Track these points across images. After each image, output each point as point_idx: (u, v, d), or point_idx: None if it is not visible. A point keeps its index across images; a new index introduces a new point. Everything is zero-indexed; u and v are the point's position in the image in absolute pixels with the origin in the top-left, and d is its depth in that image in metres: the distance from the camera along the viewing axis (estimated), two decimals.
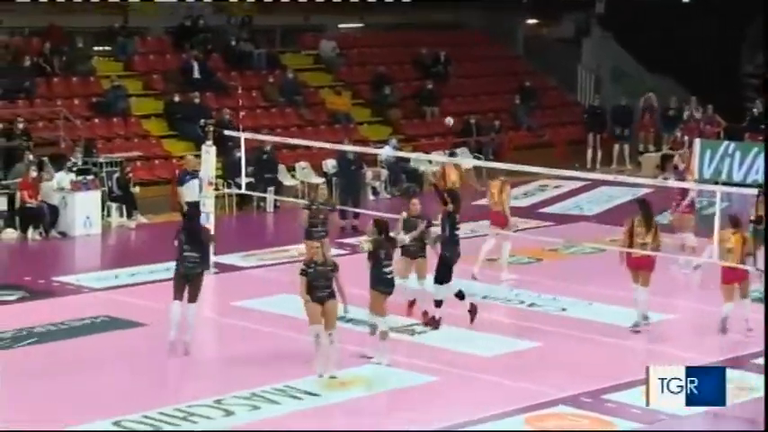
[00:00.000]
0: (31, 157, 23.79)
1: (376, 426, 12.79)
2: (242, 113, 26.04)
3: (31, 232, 22.58)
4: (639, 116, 32.52)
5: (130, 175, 24.61)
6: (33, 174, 23.03)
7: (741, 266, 15.64)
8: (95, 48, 30.04)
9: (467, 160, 28.31)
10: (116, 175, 24.49)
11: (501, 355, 15.27)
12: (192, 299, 15.14)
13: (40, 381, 14.05)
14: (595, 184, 27.13)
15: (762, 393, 12.71)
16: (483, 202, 25.08)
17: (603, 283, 18.21)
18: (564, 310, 17.42)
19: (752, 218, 15.63)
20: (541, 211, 25.47)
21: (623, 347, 15.60)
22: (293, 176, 27.27)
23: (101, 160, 24.99)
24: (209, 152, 19.76)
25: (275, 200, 25.61)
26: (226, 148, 23.96)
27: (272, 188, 25.84)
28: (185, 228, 15.50)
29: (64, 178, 23.28)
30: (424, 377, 14.26)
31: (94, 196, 23.37)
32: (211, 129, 20.05)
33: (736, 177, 22.60)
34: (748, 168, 22.77)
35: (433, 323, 16.23)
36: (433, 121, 31.77)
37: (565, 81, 35.68)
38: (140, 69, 29.81)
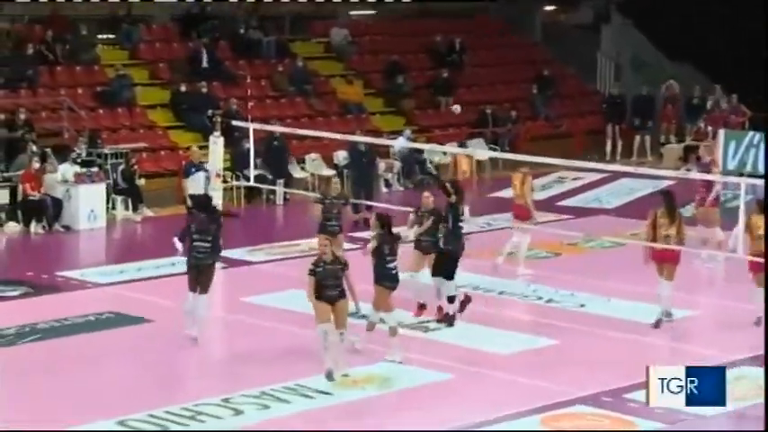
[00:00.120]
0: (34, 148, 23.84)
1: (389, 425, 12.79)
2: (250, 103, 26.06)
3: (33, 226, 22.64)
4: (661, 106, 32.45)
5: (136, 166, 24.65)
6: (36, 165, 23.09)
7: None
8: (99, 36, 30.09)
9: (482, 152, 28.34)
10: (121, 166, 24.54)
11: (517, 352, 15.26)
12: (204, 289, 15.25)
13: (43, 378, 14.09)
14: (615, 176, 27.09)
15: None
16: (496, 194, 25.07)
17: (623, 279, 18.20)
18: (582, 306, 17.41)
19: None
20: (560, 204, 25.45)
21: (644, 345, 15.58)
22: (303, 168, 27.30)
23: (105, 151, 25.06)
24: (216, 143, 19.79)
25: (285, 192, 25.64)
26: (233, 139, 23.98)
27: (281, 180, 25.87)
28: (195, 217, 15.63)
29: (68, 170, 23.33)
30: (438, 375, 14.27)
31: (99, 189, 23.43)
32: (219, 119, 20.07)
33: (762, 169, 22.54)
34: None
35: (448, 319, 16.24)
36: (448, 111, 31.72)
37: (584, 69, 35.61)
38: (146, 58, 29.83)
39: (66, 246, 22.22)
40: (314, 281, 13.79)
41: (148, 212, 24.20)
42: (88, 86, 28.07)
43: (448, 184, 16.66)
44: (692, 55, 33.70)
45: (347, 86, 31.01)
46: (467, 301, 16.40)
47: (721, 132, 24.23)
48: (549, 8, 37.11)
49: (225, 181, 20.63)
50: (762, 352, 14.87)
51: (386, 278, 14.71)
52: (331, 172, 26.87)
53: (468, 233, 21.05)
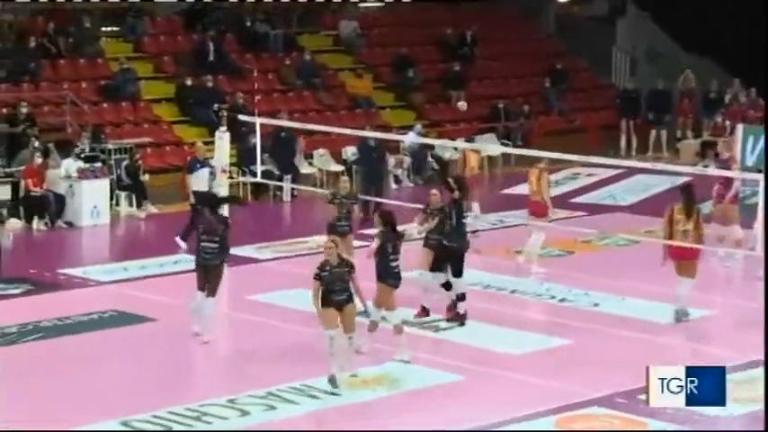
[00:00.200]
0: (36, 143, 23.88)
1: (397, 427, 12.79)
2: (257, 97, 26.05)
3: (36, 222, 22.68)
4: (678, 100, 32.40)
5: (140, 162, 24.67)
6: (38, 161, 23.12)
7: None
8: (103, 28, 30.10)
9: (494, 147, 28.32)
10: (125, 162, 24.56)
11: (530, 352, 15.25)
12: (210, 292, 15.28)
13: (44, 378, 14.11)
14: (630, 172, 27.08)
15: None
16: (508, 190, 25.05)
17: (638, 277, 18.17)
18: (596, 305, 17.39)
19: None
20: (573, 200, 25.43)
21: (659, 345, 15.57)
22: (311, 164, 27.30)
23: (109, 147, 25.07)
24: (222, 138, 19.78)
25: (292, 188, 25.64)
26: (240, 134, 23.99)
27: (288, 176, 25.88)
28: (203, 217, 15.66)
29: (70, 165, 23.36)
30: (448, 376, 14.26)
31: (102, 185, 23.45)
32: (225, 114, 20.07)
33: None
34: None
35: (459, 318, 16.23)
36: (461, 101, 31.69)
37: (598, 63, 35.56)
38: (150, 51, 29.86)
39: (68, 243, 22.25)
40: (320, 286, 13.67)
41: (153, 209, 24.22)
42: (91, 80, 28.11)
43: (451, 180, 16.60)
44: (709, 48, 33.63)
45: (356, 80, 31.01)
46: (425, 313, 16.36)
47: (740, 127, 24.18)
48: (562, 0, 37.06)
49: (231, 177, 20.61)
50: None
51: (389, 276, 14.71)
52: (339, 168, 26.89)
53: (477, 231, 21.21)
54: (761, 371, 13.98)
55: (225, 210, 18.87)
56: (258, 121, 20.39)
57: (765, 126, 22.46)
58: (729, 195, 19.88)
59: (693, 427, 12.60)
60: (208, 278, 15.29)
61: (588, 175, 28.07)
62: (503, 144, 29.64)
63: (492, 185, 27.57)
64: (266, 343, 15.58)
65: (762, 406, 12.53)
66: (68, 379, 14.12)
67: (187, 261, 19.45)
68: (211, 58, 29.35)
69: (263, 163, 22.26)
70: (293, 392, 13.59)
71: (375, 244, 14.91)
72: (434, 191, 16.76)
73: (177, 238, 20.77)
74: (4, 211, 22.67)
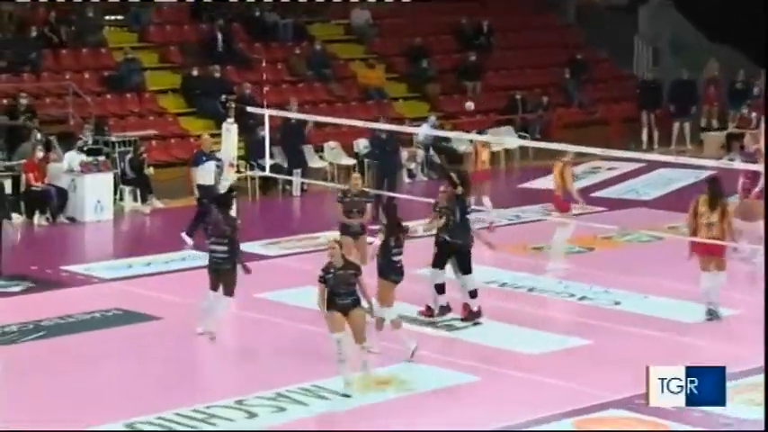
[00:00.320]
0: (38, 136, 23.91)
1: (411, 428, 12.80)
2: (266, 88, 26.08)
3: (37, 217, 22.72)
4: (702, 89, 32.33)
5: (145, 155, 24.70)
6: (40, 154, 23.16)
7: None
8: (106, 17, 30.11)
9: (511, 140, 28.30)
10: (129, 155, 24.60)
11: (548, 352, 15.24)
12: (227, 293, 15.40)
13: (45, 378, 14.14)
14: (653, 165, 27.03)
15: None
16: (526, 184, 25.00)
17: (661, 275, 18.16)
18: (617, 303, 17.38)
19: None
20: (594, 195, 25.38)
21: (682, 345, 15.53)
22: (321, 158, 27.30)
23: (113, 139, 25.13)
24: (229, 131, 19.78)
25: (302, 183, 25.65)
26: (248, 127, 24.01)
27: (298, 170, 25.89)
28: (210, 218, 15.75)
29: (73, 159, 23.39)
30: (464, 376, 14.26)
31: (106, 179, 23.50)
32: (233, 105, 20.08)
33: None
34: None
35: (473, 316, 16.20)
36: (476, 96, 31.71)
37: (619, 53, 35.51)
38: (156, 40, 29.89)
39: (70, 239, 22.29)
40: (324, 288, 13.64)
41: (158, 204, 24.26)
42: (95, 71, 28.15)
43: (454, 175, 16.56)
44: (735, 37, 33.52)
45: (368, 71, 31.01)
46: (429, 312, 16.34)
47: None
48: None
49: (239, 171, 20.61)
50: None
51: (391, 272, 14.73)
52: (351, 161, 26.91)
53: (493, 223, 21.23)
54: None
55: (233, 209, 18.93)
56: (267, 112, 20.38)
57: (766, 125, 22.38)
58: (756, 190, 19.82)
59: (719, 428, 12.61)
60: (221, 280, 15.37)
61: (609, 168, 28.04)
62: (520, 137, 29.61)
63: (509, 179, 27.56)
64: (275, 342, 15.60)
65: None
66: (70, 379, 14.14)
67: (194, 258, 19.58)
68: (220, 48, 29.36)
69: (271, 156, 22.26)
70: (303, 393, 13.60)
71: (378, 240, 14.90)
72: (443, 187, 16.72)
73: (183, 234, 20.80)
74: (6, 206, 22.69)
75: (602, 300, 17.55)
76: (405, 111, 30.54)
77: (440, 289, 16.29)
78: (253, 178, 25.02)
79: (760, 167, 19.79)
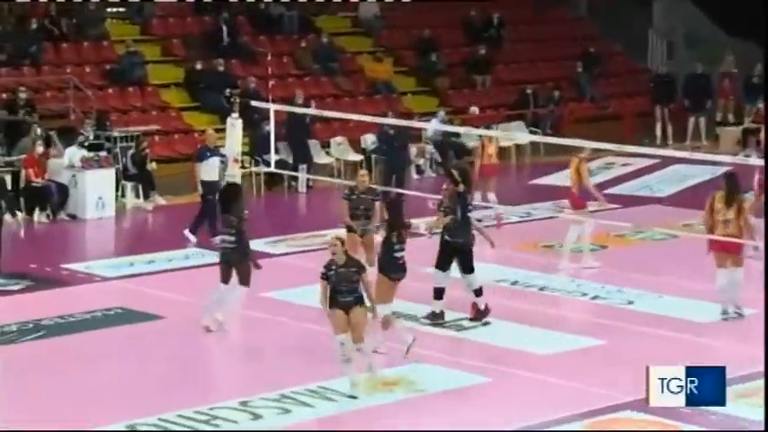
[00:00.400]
0: (38, 130, 23.91)
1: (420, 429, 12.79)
2: (271, 82, 26.06)
3: (37, 214, 22.73)
4: (718, 83, 32.28)
5: (147, 150, 24.70)
6: (40, 149, 23.17)
7: None
8: (108, 9, 30.12)
9: (522, 135, 28.27)
10: (131, 151, 24.60)
11: (560, 353, 15.21)
12: (242, 282, 15.59)
13: (45, 379, 14.14)
14: (667, 161, 27.01)
15: None
16: (537, 180, 24.97)
17: (676, 273, 18.14)
18: (631, 303, 17.34)
19: None
20: (607, 191, 25.30)
21: (698, 345, 15.50)
22: (328, 153, 27.28)
23: (115, 134, 25.13)
24: (234, 126, 19.75)
25: (308, 179, 25.63)
26: (252, 122, 24.00)
27: (304, 166, 25.88)
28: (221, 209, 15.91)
29: (74, 154, 23.40)
30: (473, 377, 14.23)
31: (108, 175, 23.52)
32: (237, 99, 20.06)
33: None
34: None
35: (482, 314, 16.14)
36: (485, 91, 31.70)
37: (633, 46, 35.46)
38: (158, 33, 29.89)
39: (71, 236, 22.30)
40: (326, 286, 13.61)
41: (160, 200, 24.25)
42: (96, 64, 28.16)
43: (455, 172, 16.48)
44: (752, 30, 33.41)
45: (376, 64, 30.99)
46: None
47: None
48: None
49: (243, 167, 20.60)
50: None
51: (391, 268, 14.73)
52: (358, 157, 26.89)
53: (499, 216, 21.20)
54: None
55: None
56: (272, 107, 20.36)
57: (765, 123, 22.36)
58: None
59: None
60: (235, 270, 15.53)
61: (623, 164, 28.01)
62: (531, 132, 29.58)
63: (519, 176, 27.53)
64: (280, 342, 15.59)
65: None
66: (70, 380, 14.13)
67: (197, 256, 19.59)
68: (224, 41, 29.33)
69: (277, 152, 22.24)
70: (308, 395, 13.58)
71: (380, 236, 14.88)
72: (446, 185, 16.65)
73: (186, 231, 20.79)
74: (4, 203, 22.67)
75: (616, 299, 17.52)
76: (413, 105, 30.50)
77: (438, 294, 16.16)
78: (257, 174, 25.00)
79: None
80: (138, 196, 24.19)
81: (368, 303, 13.71)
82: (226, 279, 15.60)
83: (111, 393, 13.72)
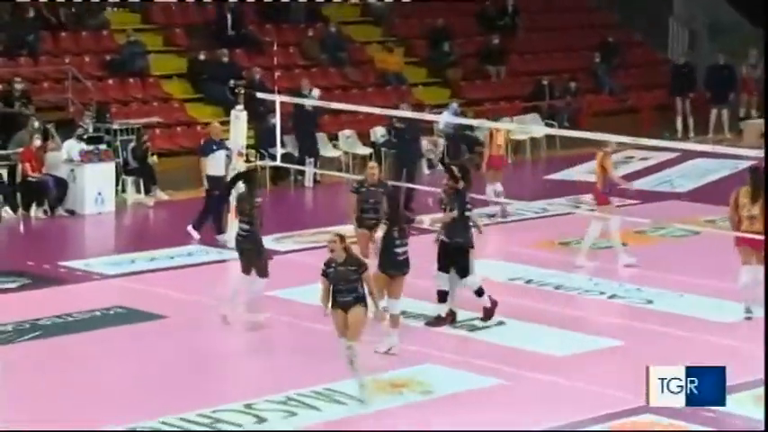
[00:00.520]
0: (36, 123, 23.93)
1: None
2: (277, 73, 26.06)
3: (34, 210, 22.75)
4: (741, 75, 32.22)
5: (149, 144, 24.73)
6: (37, 142, 23.19)
7: None
8: None
9: (537, 128, 28.25)
10: (132, 144, 24.62)
11: (577, 354, 15.20)
12: (260, 273, 15.85)
13: (44, 380, 14.15)
14: (688, 155, 26.96)
15: None
16: (553, 175, 24.97)
17: (698, 272, 18.11)
18: (650, 302, 17.32)
19: None
20: (625, 186, 25.30)
21: (720, 347, 15.46)
22: (336, 146, 27.28)
23: (115, 127, 25.14)
24: (239, 118, 19.79)
25: (315, 173, 25.63)
26: (258, 114, 23.99)
27: (311, 160, 25.88)
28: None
29: (72, 148, 23.41)
30: (486, 379, 14.22)
31: (107, 169, 23.53)
32: (242, 91, 20.07)
33: None
34: None
35: (490, 312, 16.08)
36: (499, 82, 31.67)
37: (653, 36, 35.42)
38: (160, 22, 29.89)
39: (70, 232, 22.33)
40: (326, 283, 13.56)
41: (162, 195, 24.27)
42: (95, 54, 28.17)
43: (454, 168, 16.40)
44: None
45: (386, 54, 30.98)
46: (444, 319, 16.25)
47: None
48: None
49: (248, 160, 20.61)
50: None
51: (390, 265, 14.70)
52: (367, 150, 26.88)
53: (506, 208, 21.16)
54: None
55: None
56: (278, 99, 20.39)
57: (765, 122, 22.32)
58: None
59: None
60: (249, 261, 15.79)
61: (642, 159, 27.96)
62: (547, 125, 29.56)
63: (535, 170, 27.51)
64: (286, 342, 15.62)
65: None
66: (69, 382, 14.15)
67: (200, 253, 19.60)
68: (228, 30, 29.33)
69: (283, 145, 22.24)
70: (315, 397, 13.57)
71: (381, 231, 14.86)
72: (445, 182, 16.53)
73: (189, 228, 20.79)
74: (0, 198, 22.71)
75: (634, 298, 17.50)
76: (425, 97, 30.49)
77: (442, 297, 16.10)
78: (263, 168, 24.99)
79: None
80: (138, 191, 24.21)
81: (370, 302, 13.68)
82: (245, 269, 15.87)
83: (111, 396, 13.72)
